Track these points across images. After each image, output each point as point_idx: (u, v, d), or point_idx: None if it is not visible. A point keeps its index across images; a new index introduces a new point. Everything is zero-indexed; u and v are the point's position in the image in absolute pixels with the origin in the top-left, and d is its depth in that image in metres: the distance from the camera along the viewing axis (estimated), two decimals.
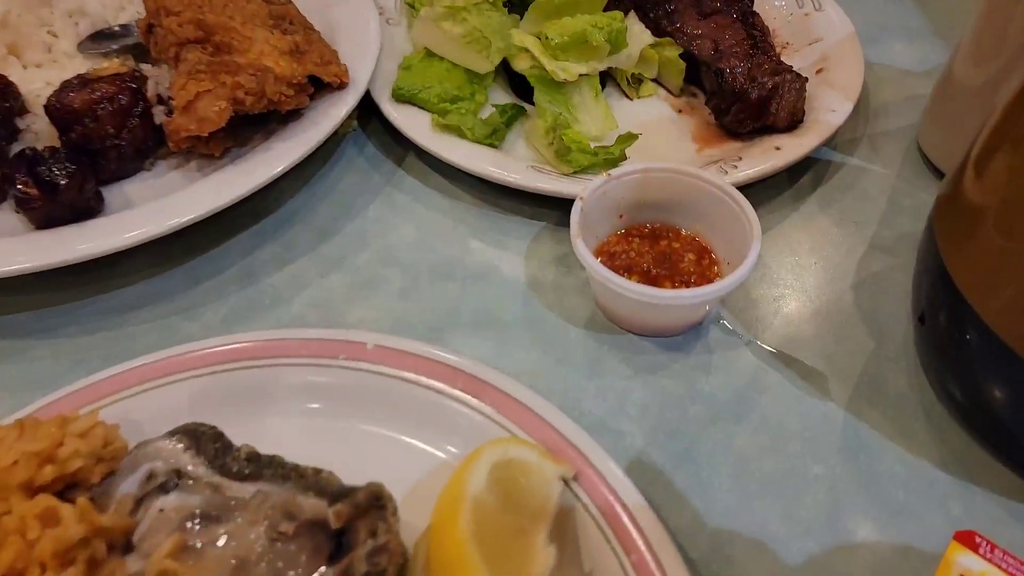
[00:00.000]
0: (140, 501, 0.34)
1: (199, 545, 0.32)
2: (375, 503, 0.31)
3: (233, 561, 0.31)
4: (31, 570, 0.29)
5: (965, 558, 0.37)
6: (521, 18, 0.60)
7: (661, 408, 0.44)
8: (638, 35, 0.60)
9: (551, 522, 0.33)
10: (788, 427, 0.43)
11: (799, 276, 0.51)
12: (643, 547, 0.34)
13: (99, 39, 0.58)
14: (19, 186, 0.44)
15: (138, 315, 0.48)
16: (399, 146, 0.60)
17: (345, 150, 0.60)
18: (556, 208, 0.54)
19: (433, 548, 0.30)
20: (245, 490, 0.34)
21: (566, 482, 0.35)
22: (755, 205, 0.45)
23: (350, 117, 0.57)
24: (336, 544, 0.31)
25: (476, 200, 0.56)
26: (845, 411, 0.43)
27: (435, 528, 0.30)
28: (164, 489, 0.34)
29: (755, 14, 0.62)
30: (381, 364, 0.41)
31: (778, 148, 0.54)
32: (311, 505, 0.31)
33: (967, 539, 0.37)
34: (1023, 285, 0.34)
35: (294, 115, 0.53)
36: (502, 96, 0.60)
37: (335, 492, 0.32)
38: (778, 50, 0.63)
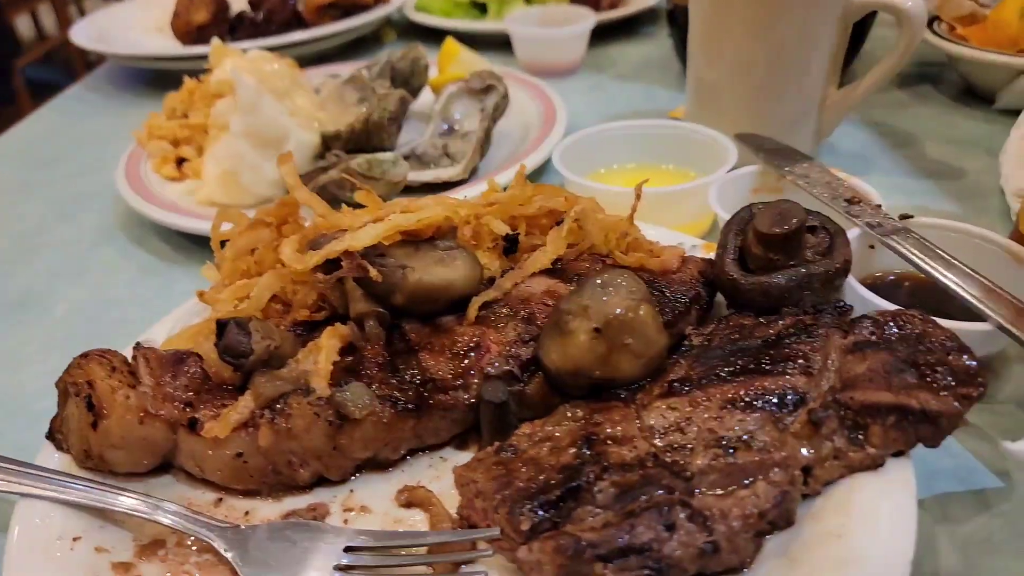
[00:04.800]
0: None
1: None
2: (414, 47, 0.77)
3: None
4: None
5: None
6: None
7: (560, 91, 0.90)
8: None
9: None
10: (630, 82, 0.89)
11: (628, 57, 0.99)
12: None
13: None
14: (250, 20, 0.94)
15: None
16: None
17: (391, 46, 1.11)
18: (501, 44, 1.03)
19: (441, 56, 0.76)
20: None
21: None
22: (608, 38, 0.95)
23: (390, 26, 1.09)
24: None
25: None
26: (645, 85, 0.90)
27: (443, 48, 0.77)
28: None
29: None
30: None
31: None
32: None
33: None
34: None
35: (363, 10, 1.04)
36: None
37: None
38: None
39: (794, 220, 0.39)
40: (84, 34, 0.99)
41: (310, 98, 0.68)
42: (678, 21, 0.87)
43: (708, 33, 0.65)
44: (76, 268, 0.63)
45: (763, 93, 0.64)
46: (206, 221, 0.59)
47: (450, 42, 0.77)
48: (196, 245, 0.62)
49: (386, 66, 0.72)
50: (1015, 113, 0.67)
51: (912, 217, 0.48)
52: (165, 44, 1.02)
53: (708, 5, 0.64)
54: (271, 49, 0.92)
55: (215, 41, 0.69)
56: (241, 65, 0.65)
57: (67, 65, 4.60)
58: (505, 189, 0.49)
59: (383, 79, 0.70)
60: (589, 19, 0.93)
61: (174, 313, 0.47)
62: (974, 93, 0.79)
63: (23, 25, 5.07)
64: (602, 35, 1.01)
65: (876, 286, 0.48)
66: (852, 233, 0.48)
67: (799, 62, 0.62)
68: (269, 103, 0.62)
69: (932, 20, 0.83)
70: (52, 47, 4.40)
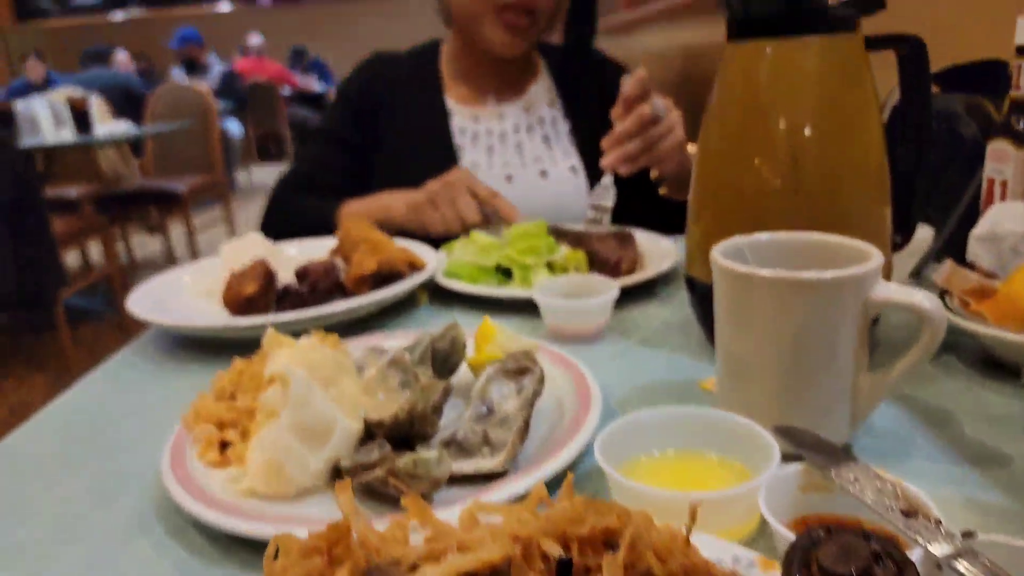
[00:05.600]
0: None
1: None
2: (453, 326, 0.81)
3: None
4: None
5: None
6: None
7: (588, 360, 0.93)
8: (563, 250, 1.22)
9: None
10: (655, 349, 0.92)
11: (649, 321, 1.04)
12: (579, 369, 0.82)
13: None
14: (295, 292, 1.01)
15: None
16: (447, 306, 1.17)
17: (424, 308, 1.17)
18: (526, 308, 1.09)
19: (478, 336, 0.80)
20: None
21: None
22: (628, 302, 1.02)
23: (423, 290, 1.16)
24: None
25: (489, 313, 1.11)
26: (670, 351, 0.93)
27: (480, 329, 0.81)
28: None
29: (628, 237, 1.25)
30: None
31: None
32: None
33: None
34: (695, 250, 0.89)
35: (399, 278, 1.11)
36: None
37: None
38: (640, 253, 1.24)
39: (861, 559, 0.38)
40: (139, 305, 1.05)
41: (355, 382, 0.71)
42: (696, 290, 0.93)
43: (733, 311, 0.68)
44: (109, 564, 0.61)
45: (794, 376, 0.66)
46: (246, 521, 0.58)
47: (487, 323, 0.81)
48: (235, 541, 0.61)
49: (427, 349, 0.76)
50: None
51: (975, 535, 0.47)
52: (214, 311, 1.08)
53: (730, 288, 0.68)
54: (315, 319, 0.98)
55: (270, 330, 0.73)
56: (293, 356, 0.68)
57: (108, 293, 4.86)
58: (547, 484, 0.50)
59: (424, 365, 0.73)
60: (612, 289, 0.99)
61: None
62: (998, 364, 0.81)
63: (71, 257, 5.43)
64: (623, 298, 1.06)
65: None
66: (915, 554, 0.47)
67: (825, 350, 0.64)
68: (318, 396, 0.64)
69: (944, 293, 0.88)
70: (96, 279, 4.67)
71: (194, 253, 5.33)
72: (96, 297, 5.09)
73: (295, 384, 0.63)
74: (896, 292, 0.61)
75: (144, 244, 6.54)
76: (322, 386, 0.67)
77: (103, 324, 4.60)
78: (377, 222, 1.38)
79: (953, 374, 0.82)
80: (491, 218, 1.34)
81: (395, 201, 1.40)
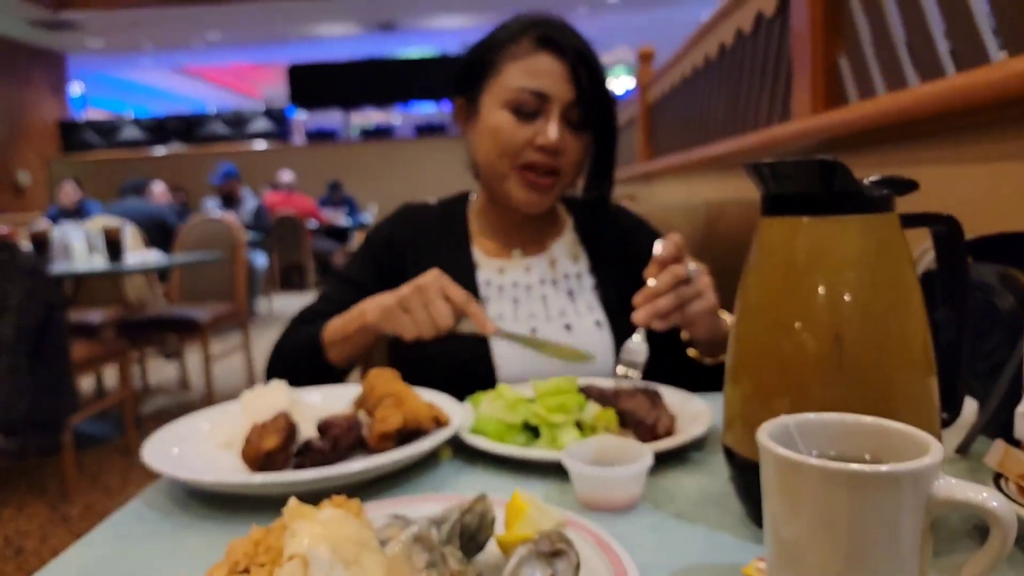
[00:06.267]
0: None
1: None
2: (481, 499, 0.77)
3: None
4: None
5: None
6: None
7: (621, 534, 0.88)
8: (592, 407, 1.19)
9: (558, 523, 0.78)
10: (692, 524, 0.87)
11: (684, 490, 0.99)
12: (613, 548, 0.77)
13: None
14: (316, 448, 0.97)
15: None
16: (471, 462, 1.13)
17: (447, 464, 1.13)
18: (555, 469, 1.04)
19: (508, 510, 0.76)
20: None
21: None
22: (660, 467, 0.98)
23: (447, 445, 1.12)
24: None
25: (516, 473, 1.06)
26: (709, 528, 0.88)
27: (510, 503, 0.77)
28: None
29: (659, 396, 1.22)
30: None
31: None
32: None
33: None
34: (733, 417, 0.86)
35: (423, 434, 1.08)
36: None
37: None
38: (673, 414, 1.20)
39: None
40: (154, 455, 1.02)
41: (378, 561, 0.66)
42: (735, 462, 0.89)
43: (784, 499, 0.64)
44: None
45: (853, 573, 0.61)
46: None
47: (517, 498, 0.78)
48: None
49: (455, 525, 0.72)
50: None
51: None
52: (231, 463, 1.05)
53: (779, 474, 0.64)
54: (335, 479, 0.94)
55: (291, 501, 0.70)
56: (314, 532, 0.65)
57: (118, 419, 4.82)
58: None
59: (453, 545, 0.69)
60: (646, 457, 0.95)
61: None
62: None
63: (85, 382, 5.43)
64: (654, 462, 1.02)
65: None
66: None
67: (884, 548, 0.60)
68: None
69: (998, 476, 0.84)
70: (108, 405, 4.64)
71: (209, 381, 5.31)
72: (105, 423, 5.04)
73: (316, 568, 0.59)
74: (960, 490, 0.57)
75: (159, 369, 6.56)
76: (344, 565, 0.63)
77: (108, 449, 4.52)
78: (353, 328, 1.39)
79: (1016, 565, 0.76)
80: (464, 323, 1.32)
81: (369, 306, 1.40)
